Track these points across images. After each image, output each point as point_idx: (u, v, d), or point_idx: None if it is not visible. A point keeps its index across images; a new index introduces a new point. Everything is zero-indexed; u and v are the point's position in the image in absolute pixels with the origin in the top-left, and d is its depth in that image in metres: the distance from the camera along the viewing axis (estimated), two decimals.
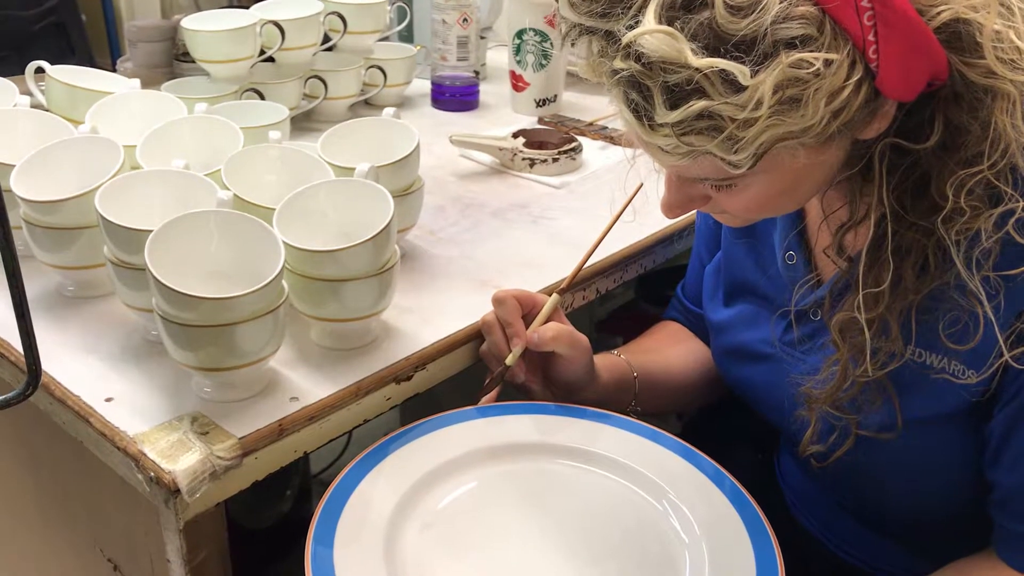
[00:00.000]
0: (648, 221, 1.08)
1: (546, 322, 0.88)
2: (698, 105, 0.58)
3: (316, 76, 1.31)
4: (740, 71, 0.56)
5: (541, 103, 1.42)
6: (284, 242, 0.77)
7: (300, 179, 0.87)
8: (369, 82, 1.39)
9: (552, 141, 1.23)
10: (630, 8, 0.59)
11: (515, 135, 1.25)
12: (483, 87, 1.51)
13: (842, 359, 0.75)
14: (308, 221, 0.83)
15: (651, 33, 0.57)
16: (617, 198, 0.93)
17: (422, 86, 1.50)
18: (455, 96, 1.43)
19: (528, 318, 0.88)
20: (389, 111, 1.01)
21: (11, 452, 0.97)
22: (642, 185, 0.90)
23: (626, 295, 1.62)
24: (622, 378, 0.95)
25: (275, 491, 1.34)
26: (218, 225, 0.77)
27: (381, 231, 0.79)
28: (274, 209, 0.81)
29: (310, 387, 0.79)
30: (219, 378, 0.76)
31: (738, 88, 0.57)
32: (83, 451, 0.77)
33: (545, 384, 0.90)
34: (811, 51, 0.56)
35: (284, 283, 0.77)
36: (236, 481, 0.73)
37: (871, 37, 0.58)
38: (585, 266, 0.97)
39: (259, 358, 0.75)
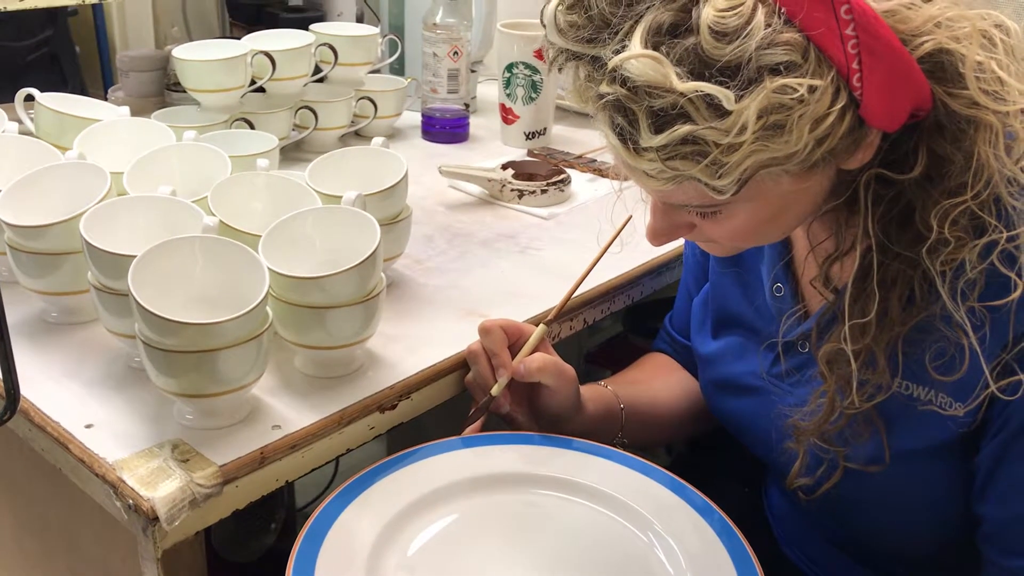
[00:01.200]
0: (635, 252, 1.07)
1: (532, 352, 0.87)
2: (683, 129, 0.58)
3: (307, 107, 1.31)
4: (724, 95, 0.56)
5: (531, 136, 1.43)
6: (269, 268, 0.77)
7: (287, 207, 0.87)
8: (359, 113, 1.39)
9: (541, 173, 1.24)
10: (617, 34, 0.60)
11: (504, 167, 1.25)
12: (473, 120, 1.52)
13: (829, 391, 0.75)
14: (294, 248, 0.83)
15: (636, 57, 0.57)
16: (604, 230, 0.93)
17: (413, 118, 1.50)
18: (445, 128, 1.44)
19: (514, 348, 0.88)
20: (378, 140, 1.01)
21: None
22: (631, 217, 0.90)
23: (615, 327, 1.62)
24: (608, 409, 0.94)
25: (260, 523, 1.33)
26: (203, 251, 0.77)
27: (367, 259, 0.79)
28: (260, 236, 0.81)
29: (293, 415, 0.78)
30: (201, 405, 0.75)
31: (722, 113, 0.57)
32: (61, 480, 0.76)
33: (531, 415, 0.89)
34: (795, 77, 0.57)
35: (268, 310, 0.77)
36: (216, 510, 0.72)
37: (855, 65, 0.58)
38: (574, 297, 0.97)
39: (242, 385, 0.75)
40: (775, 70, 0.57)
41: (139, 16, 2.40)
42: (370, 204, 0.91)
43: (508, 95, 1.41)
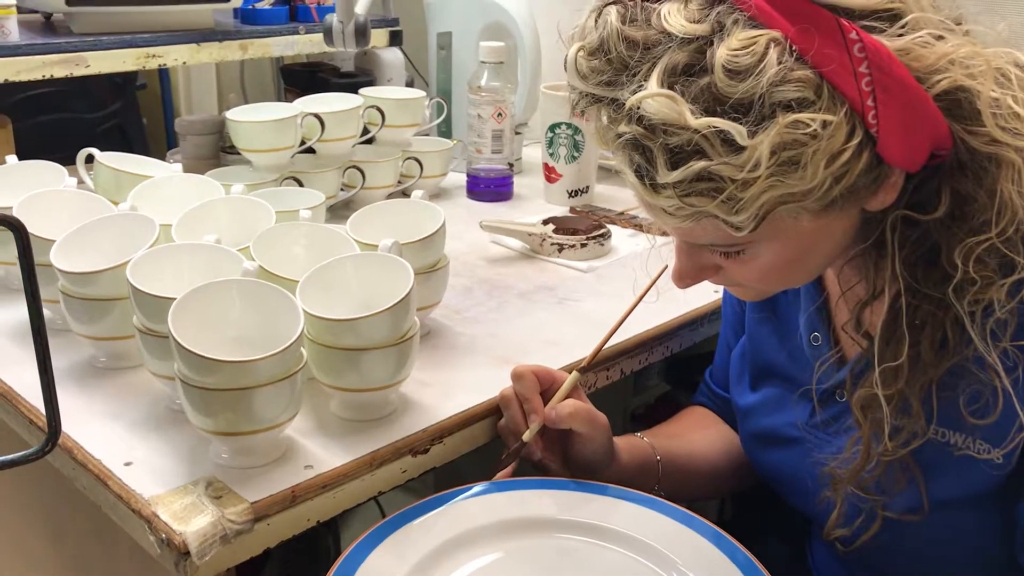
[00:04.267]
0: (672, 303, 1.08)
1: (565, 399, 0.87)
2: (698, 165, 0.59)
3: (354, 166, 1.35)
4: (737, 131, 0.57)
5: (573, 194, 1.45)
6: (304, 311, 0.79)
7: (328, 255, 0.89)
8: (406, 173, 1.43)
9: (581, 228, 1.25)
10: (635, 76, 0.61)
11: (545, 222, 1.27)
12: (518, 180, 1.55)
13: (864, 437, 0.74)
14: (331, 293, 0.85)
15: (652, 96, 0.59)
16: (641, 279, 0.93)
17: (459, 179, 1.53)
18: (489, 187, 1.47)
19: (547, 395, 0.88)
20: (418, 193, 1.04)
21: (36, 521, 0.99)
22: (667, 267, 0.90)
23: (660, 387, 1.61)
24: (644, 461, 0.94)
25: (304, 570, 1.33)
26: (241, 293, 0.79)
27: (400, 301, 0.80)
28: (298, 282, 0.83)
29: (326, 456, 0.79)
30: (236, 443, 0.77)
31: (736, 148, 0.58)
32: (102, 519, 0.78)
33: (563, 463, 0.89)
34: (808, 113, 0.58)
35: (303, 350, 0.79)
36: (247, 547, 0.73)
37: (870, 102, 0.59)
38: (608, 345, 0.97)
39: (276, 424, 0.76)
40: (788, 106, 0.58)
41: (203, 88, 2.51)
42: (408, 253, 0.93)
43: (551, 154, 1.44)
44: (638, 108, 0.60)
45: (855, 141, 0.60)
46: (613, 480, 0.88)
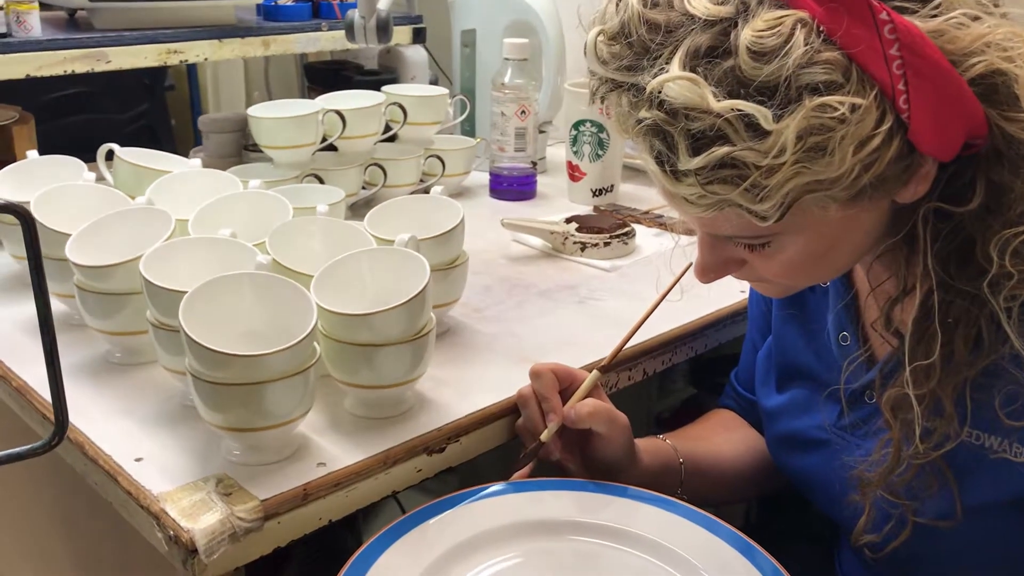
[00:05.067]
0: (698, 303, 1.05)
1: (585, 399, 0.85)
2: (721, 151, 0.57)
3: (376, 164, 1.34)
4: (762, 114, 0.55)
5: (598, 193, 1.42)
6: (318, 305, 0.77)
7: (344, 250, 0.88)
8: (428, 171, 1.41)
9: (605, 226, 1.23)
10: (657, 60, 0.59)
11: (568, 220, 1.25)
12: (542, 180, 1.53)
13: (894, 439, 0.71)
14: (346, 289, 0.84)
15: (674, 80, 0.57)
16: (663, 277, 0.91)
17: (482, 178, 1.52)
18: (512, 186, 1.45)
19: (567, 394, 0.86)
20: (437, 189, 1.02)
21: (55, 519, 0.98)
22: (691, 264, 0.88)
23: (687, 390, 1.58)
24: (666, 463, 0.91)
25: (324, 572, 1.32)
26: (253, 287, 0.78)
27: (415, 296, 0.79)
28: (313, 277, 0.82)
29: (339, 454, 0.78)
30: (248, 440, 0.75)
31: (761, 133, 0.56)
32: (115, 517, 0.77)
33: (583, 464, 0.87)
34: (836, 96, 0.55)
35: (317, 345, 0.77)
36: (257, 546, 0.71)
37: (901, 86, 0.56)
38: (630, 345, 0.95)
39: (288, 420, 0.75)
40: (815, 89, 0.55)
41: (231, 90, 2.51)
42: (426, 249, 0.91)
43: (575, 152, 1.41)
44: (659, 92, 0.58)
45: (885, 127, 0.57)
46: (633, 483, 0.85)
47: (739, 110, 0.56)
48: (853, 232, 0.66)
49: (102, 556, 0.90)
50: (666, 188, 0.63)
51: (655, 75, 0.59)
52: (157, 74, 2.79)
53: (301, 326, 0.74)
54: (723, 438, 1.00)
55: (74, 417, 0.82)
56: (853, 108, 0.56)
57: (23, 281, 1.08)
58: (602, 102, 0.66)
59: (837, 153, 0.56)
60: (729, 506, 1.31)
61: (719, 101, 0.56)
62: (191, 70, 3.14)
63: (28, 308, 1.02)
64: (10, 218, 1.04)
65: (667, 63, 0.59)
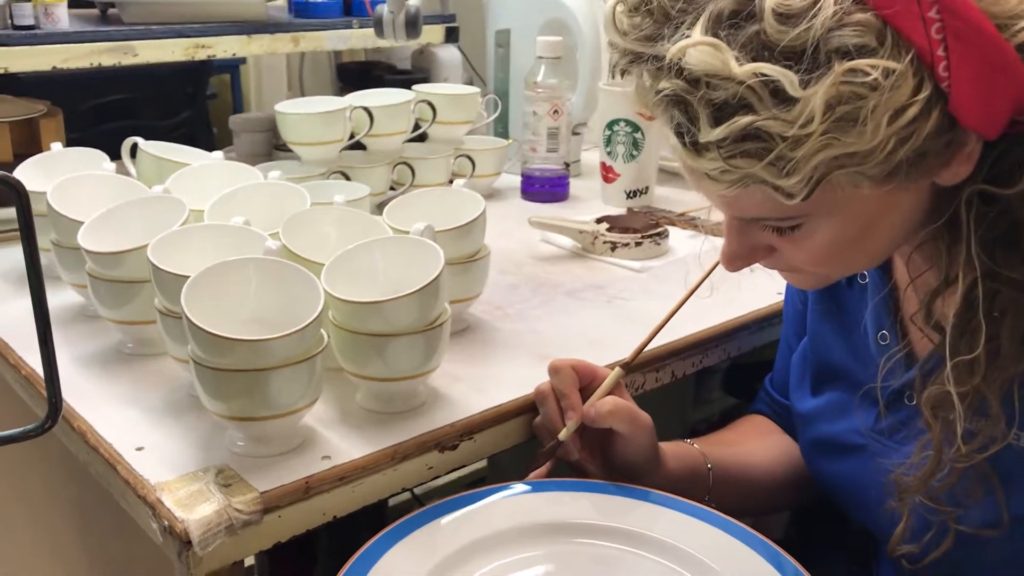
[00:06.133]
0: (733, 304, 1.01)
1: (605, 397, 0.81)
2: (743, 120, 0.53)
3: (404, 163, 1.32)
4: (788, 79, 0.51)
5: (632, 195, 1.38)
6: (328, 293, 0.75)
7: (359, 241, 0.85)
8: (458, 171, 1.38)
9: (637, 226, 1.19)
10: (678, 28, 0.56)
11: (599, 220, 1.21)
12: (575, 183, 1.49)
13: (935, 440, 0.66)
14: (359, 279, 0.81)
15: (695, 45, 0.53)
16: (692, 273, 0.87)
17: (514, 181, 1.48)
18: (544, 187, 1.42)
19: (587, 391, 0.82)
20: (460, 182, 0.99)
21: (68, 513, 0.96)
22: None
23: (724, 400, 1.53)
24: (693, 468, 0.87)
25: None
26: (259, 272, 0.75)
27: (428, 284, 0.75)
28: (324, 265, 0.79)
29: (346, 447, 0.75)
30: (251, 429, 0.72)
31: (787, 101, 0.52)
32: (120, 511, 0.75)
33: (603, 465, 0.83)
34: (868, 60, 0.51)
35: (324, 333, 0.74)
36: (256, 540, 0.68)
37: (940, 52, 0.52)
38: (658, 344, 0.91)
39: (293, 410, 0.72)
40: (845, 53, 0.51)
41: (273, 98, 2.52)
42: (446, 241, 0.88)
43: (609, 153, 1.38)
44: (679, 60, 0.55)
45: (923, 96, 0.53)
46: (657, 487, 0.81)
47: (763, 75, 0.52)
48: (890, 216, 0.62)
49: (112, 550, 0.87)
50: (687, 163, 0.59)
51: (676, 43, 0.55)
52: (199, 83, 2.82)
53: (308, 312, 0.71)
54: (755, 444, 0.95)
55: (80, 406, 0.80)
56: (887, 73, 0.51)
57: (47, 273, 1.07)
58: (622, 76, 0.62)
59: (869, 123, 0.52)
60: (767, 518, 1.26)
61: (742, 66, 0.52)
62: (234, 79, 3.18)
63: (51, 299, 1.01)
64: (38, 209, 1.04)
65: (688, 30, 0.55)
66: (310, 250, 0.84)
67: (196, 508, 0.66)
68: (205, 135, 2.70)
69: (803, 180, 0.54)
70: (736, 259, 0.67)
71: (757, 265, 0.75)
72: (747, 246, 0.66)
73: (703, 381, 1.44)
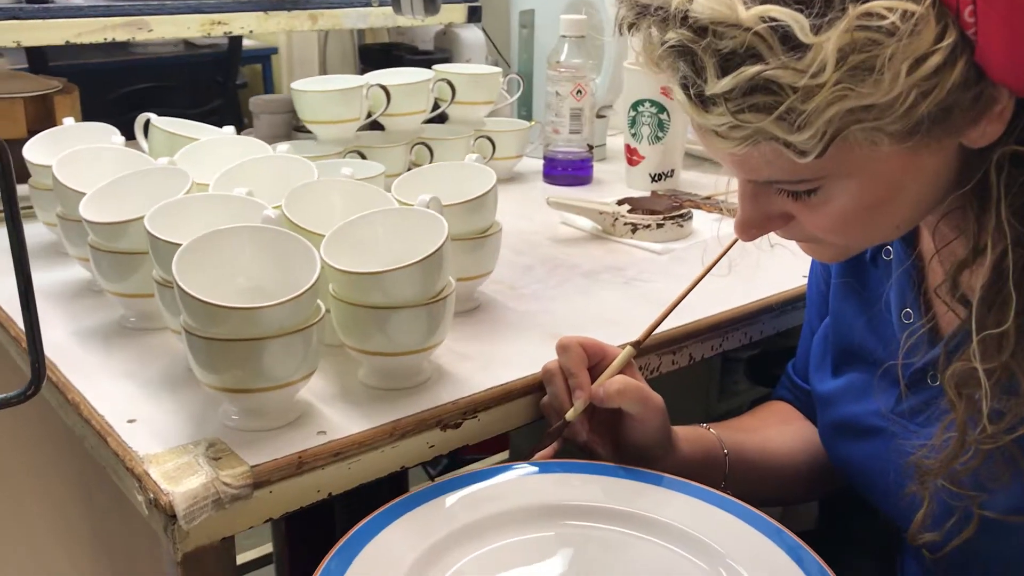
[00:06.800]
0: (755, 285, 0.97)
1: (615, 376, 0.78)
2: (752, 70, 0.49)
3: (423, 143, 1.29)
4: (798, 23, 0.47)
5: (656, 178, 1.35)
6: (327, 264, 0.72)
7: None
8: (478, 153, 1.35)
9: (659, 209, 1.15)
10: None
11: (620, 202, 1.17)
12: (600, 167, 1.46)
13: (959, 420, 0.62)
14: (361, 251, 0.78)
15: None
16: (711, 249, 0.83)
17: (536, 165, 1.45)
18: (567, 170, 1.38)
19: (597, 371, 0.79)
20: (471, 157, 0.96)
21: (76, 492, 0.94)
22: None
23: (751, 391, 1.48)
24: (708, 453, 0.83)
25: None
26: (254, 241, 0.73)
27: (431, 255, 0.73)
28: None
29: (344, 423, 0.72)
30: (245, 402, 0.70)
31: (797, 47, 0.48)
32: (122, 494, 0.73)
33: (613, 448, 0.79)
34: (884, 1, 0.47)
35: (321, 304, 0.72)
36: (246, 516, 0.66)
37: None
38: (675, 326, 0.88)
39: (288, 382, 0.69)
40: None
41: None
42: (455, 216, 0.85)
43: (633, 134, 1.34)
44: (685, 8, 0.51)
45: (946, 43, 0.49)
46: (670, 471, 0.78)
47: (772, 19, 0.48)
48: (914, 179, 0.58)
49: (112, 525, 0.86)
50: (695, 120, 0.56)
51: None
52: (229, 72, 2.82)
53: (306, 282, 0.69)
54: (776, 431, 0.91)
55: (76, 379, 0.78)
56: (905, 17, 0.48)
57: (56, 250, 1.06)
58: (630, 31, 0.59)
59: (887, 73, 0.48)
60: (797, 509, 1.22)
61: (749, 9, 0.49)
62: (266, 69, 3.18)
63: (55, 276, 1.00)
64: (43, 183, 1.03)
65: None
66: (314, 222, 0.82)
67: (183, 481, 0.64)
68: (236, 124, 2.70)
69: (816, 135, 0.51)
70: (750, 227, 0.64)
71: (780, 244, 0.72)
72: (762, 213, 0.63)
73: (728, 371, 1.39)
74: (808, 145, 0.51)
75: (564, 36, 1.34)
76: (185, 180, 0.87)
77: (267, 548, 1.72)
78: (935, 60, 0.49)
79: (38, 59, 2.27)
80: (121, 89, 2.54)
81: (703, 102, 0.53)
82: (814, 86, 0.49)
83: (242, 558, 1.77)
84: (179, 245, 0.71)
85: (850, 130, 0.51)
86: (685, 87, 0.54)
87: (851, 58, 0.48)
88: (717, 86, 0.51)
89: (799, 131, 0.51)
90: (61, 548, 1.01)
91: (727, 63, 0.51)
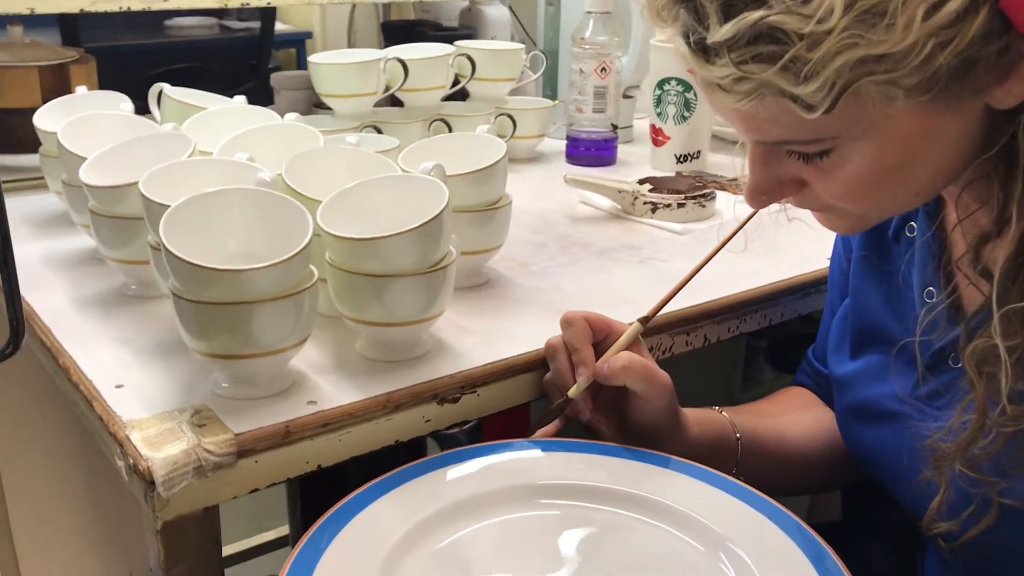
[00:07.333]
0: (777, 265, 0.94)
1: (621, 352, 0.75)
2: (755, 15, 0.46)
3: (441, 119, 1.26)
4: None
5: (682, 159, 1.31)
6: (323, 229, 0.70)
7: None
8: (498, 132, 1.32)
9: (681, 188, 1.12)
10: None
11: (641, 181, 1.14)
12: (626, 149, 1.42)
13: (979, 401, 0.58)
14: (360, 218, 0.76)
15: None
16: (727, 225, 0.80)
17: (560, 146, 1.42)
18: (590, 150, 1.35)
19: (603, 347, 0.76)
20: (483, 128, 0.93)
21: (76, 457, 0.93)
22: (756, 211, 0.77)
23: (776, 379, 1.44)
24: (719, 437, 0.80)
25: None
26: (245, 203, 0.71)
27: (429, 221, 0.70)
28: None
29: (336, 394, 0.70)
30: (234, 368, 0.68)
31: None
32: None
33: (618, 428, 0.76)
34: None
35: (314, 269, 0.69)
36: (229, 486, 0.64)
37: None
38: (692, 304, 0.84)
39: (278, 349, 0.67)
40: None
41: None
42: (462, 187, 0.83)
43: (659, 114, 1.30)
44: None
45: None
46: (677, 454, 0.74)
47: None
48: (934, 143, 0.54)
49: (106, 511, 0.84)
50: (698, 73, 0.53)
51: None
52: (262, 55, 2.82)
53: (297, 245, 0.67)
54: (794, 417, 0.87)
55: (69, 344, 0.77)
56: None
57: (65, 219, 1.05)
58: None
59: (900, 19, 0.45)
60: (821, 499, 1.18)
61: None
62: (300, 54, 3.17)
63: (61, 244, 0.99)
64: (52, 151, 1.02)
65: None
66: (316, 190, 0.79)
67: (164, 447, 0.62)
68: (266, 106, 2.70)
69: (824, 87, 0.47)
70: (760, 192, 0.60)
71: (799, 218, 0.68)
72: (772, 178, 0.59)
73: (752, 360, 1.35)
74: (816, 99, 0.48)
75: (589, 12, 1.30)
76: (187, 145, 0.85)
77: (284, 529, 1.71)
78: (954, 5, 0.45)
79: (71, 39, 2.28)
80: (155, 70, 2.55)
81: (705, 52, 0.50)
82: (820, 32, 0.45)
83: (260, 538, 1.76)
84: (170, 206, 0.69)
85: (861, 83, 0.48)
86: (687, 36, 0.51)
87: (860, 2, 0.45)
88: (719, 33, 0.48)
89: (805, 82, 0.47)
90: (64, 511, 1.00)
91: (729, 9, 0.48)
